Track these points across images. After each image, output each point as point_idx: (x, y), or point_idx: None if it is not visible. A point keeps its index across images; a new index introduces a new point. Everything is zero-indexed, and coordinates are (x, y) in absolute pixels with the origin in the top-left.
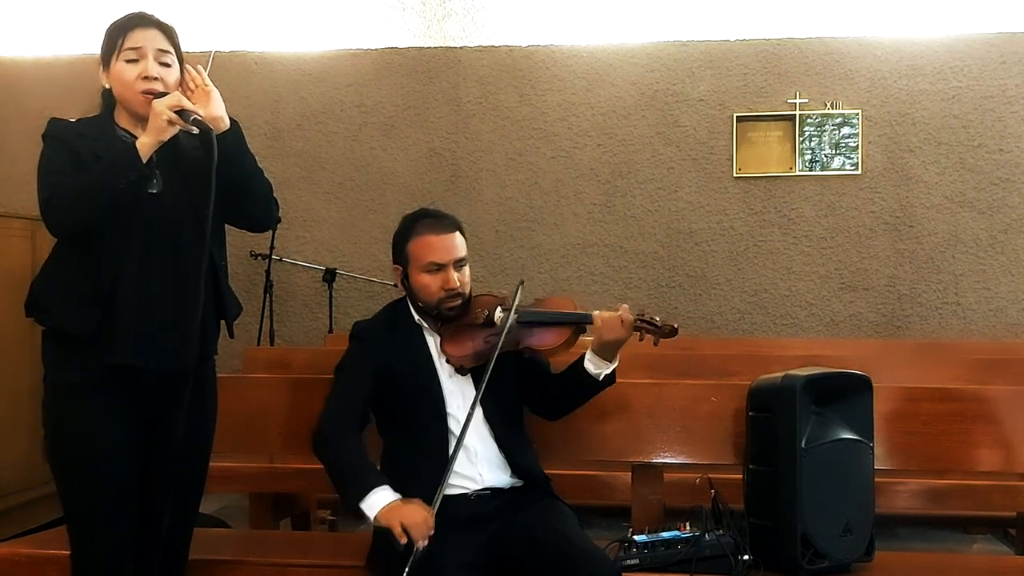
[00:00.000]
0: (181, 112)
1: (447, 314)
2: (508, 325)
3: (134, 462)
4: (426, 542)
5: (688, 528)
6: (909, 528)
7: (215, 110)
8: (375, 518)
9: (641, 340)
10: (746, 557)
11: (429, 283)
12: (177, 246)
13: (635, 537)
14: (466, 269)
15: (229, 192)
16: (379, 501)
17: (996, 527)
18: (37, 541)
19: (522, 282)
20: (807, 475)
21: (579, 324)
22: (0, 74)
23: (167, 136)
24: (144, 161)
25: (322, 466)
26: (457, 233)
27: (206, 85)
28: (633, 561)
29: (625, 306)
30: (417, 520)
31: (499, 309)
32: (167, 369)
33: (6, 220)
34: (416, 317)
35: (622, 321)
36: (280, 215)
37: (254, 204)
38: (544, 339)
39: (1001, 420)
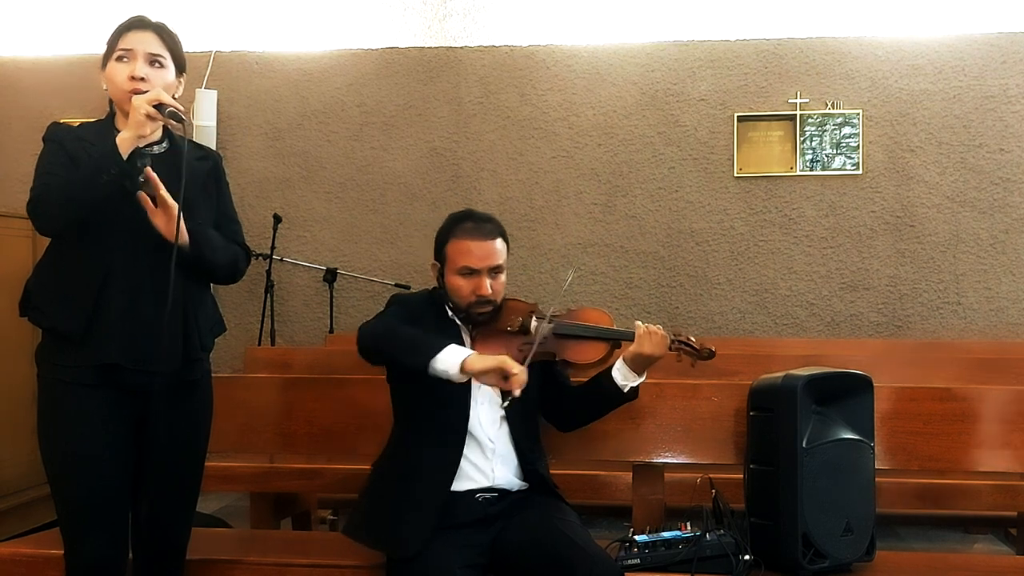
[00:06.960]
0: (159, 106)
1: (477, 319)
2: (544, 336)
3: (124, 460)
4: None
5: (689, 528)
6: (909, 528)
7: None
8: (464, 367)
9: (679, 361)
10: (747, 557)
11: (462, 286)
12: (164, 248)
13: (636, 537)
14: (501, 276)
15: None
16: (458, 353)
17: (996, 527)
18: (37, 541)
19: (572, 272)
20: (808, 475)
21: (618, 341)
22: (0, 74)
23: (147, 131)
24: (125, 157)
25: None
26: (498, 240)
27: (167, 202)
28: (634, 561)
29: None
30: (513, 363)
31: (533, 317)
32: (154, 369)
33: (6, 220)
34: (450, 313)
35: (663, 339)
36: (281, 215)
37: (215, 276)
38: (581, 353)
39: (1001, 420)
